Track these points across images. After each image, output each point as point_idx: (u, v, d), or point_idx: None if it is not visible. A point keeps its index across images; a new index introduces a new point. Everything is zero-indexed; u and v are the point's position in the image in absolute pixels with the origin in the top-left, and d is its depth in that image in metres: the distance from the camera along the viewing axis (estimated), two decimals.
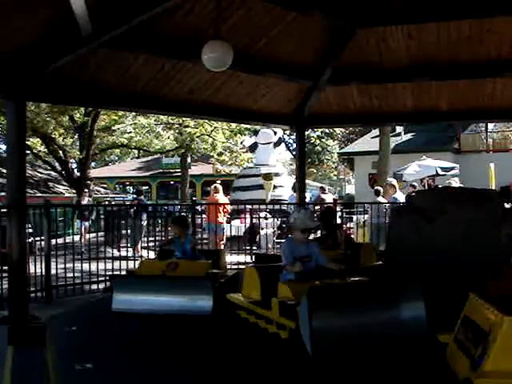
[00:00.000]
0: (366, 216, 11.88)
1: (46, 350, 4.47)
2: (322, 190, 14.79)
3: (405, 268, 4.79)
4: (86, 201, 14.82)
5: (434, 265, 4.78)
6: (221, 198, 11.78)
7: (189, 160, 29.52)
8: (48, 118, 17.64)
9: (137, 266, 6.56)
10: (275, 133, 17.35)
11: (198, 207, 11.27)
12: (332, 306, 3.60)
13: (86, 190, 16.11)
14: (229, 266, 8.90)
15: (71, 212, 13.14)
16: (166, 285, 4.82)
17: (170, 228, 6.28)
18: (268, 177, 15.62)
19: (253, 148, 18.51)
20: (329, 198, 13.55)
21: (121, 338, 4.51)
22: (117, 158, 45.21)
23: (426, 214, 5.24)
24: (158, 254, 6.41)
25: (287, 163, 18.69)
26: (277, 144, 17.75)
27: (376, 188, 12.30)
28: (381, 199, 11.49)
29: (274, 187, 15.93)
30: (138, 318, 4.69)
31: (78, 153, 20.04)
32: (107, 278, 7.68)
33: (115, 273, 7.82)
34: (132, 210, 11.59)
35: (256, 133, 18.14)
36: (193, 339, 4.40)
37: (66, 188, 21.29)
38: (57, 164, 21.58)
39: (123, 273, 7.75)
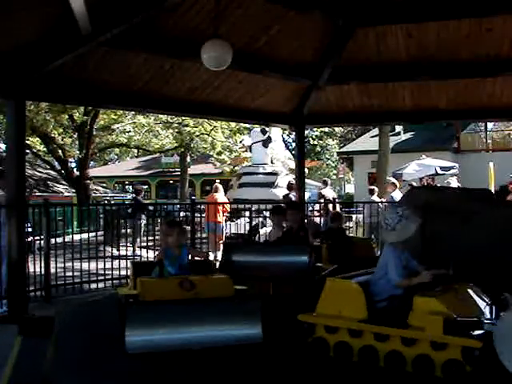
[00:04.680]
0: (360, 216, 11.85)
1: None
2: (325, 183, 14.01)
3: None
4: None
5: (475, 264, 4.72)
6: (220, 197, 11.79)
7: (188, 159, 29.52)
8: (47, 117, 17.63)
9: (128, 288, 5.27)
10: (264, 132, 17.21)
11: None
12: None
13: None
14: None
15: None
16: (201, 311, 3.97)
17: (161, 234, 5.30)
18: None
19: (250, 147, 18.44)
20: (329, 193, 13.04)
21: None
22: (116, 157, 45.25)
23: (459, 214, 5.20)
24: (133, 269, 5.20)
25: (286, 163, 18.52)
26: (266, 142, 17.58)
27: (370, 187, 12.26)
28: (375, 198, 11.47)
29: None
30: (167, 358, 3.75)
31: (78, 152, 20.00)
32: (106, 276, 7.68)
33: (114, 273, 7.82)
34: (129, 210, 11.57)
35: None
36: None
37: (66, 187, 21.27)
38: (56, 163, 21.56)
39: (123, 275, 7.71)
